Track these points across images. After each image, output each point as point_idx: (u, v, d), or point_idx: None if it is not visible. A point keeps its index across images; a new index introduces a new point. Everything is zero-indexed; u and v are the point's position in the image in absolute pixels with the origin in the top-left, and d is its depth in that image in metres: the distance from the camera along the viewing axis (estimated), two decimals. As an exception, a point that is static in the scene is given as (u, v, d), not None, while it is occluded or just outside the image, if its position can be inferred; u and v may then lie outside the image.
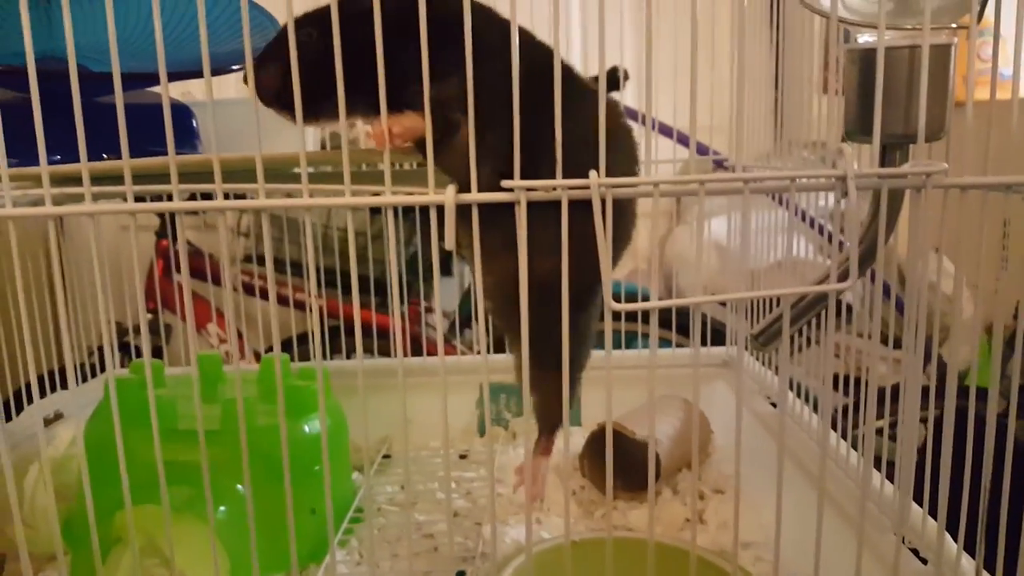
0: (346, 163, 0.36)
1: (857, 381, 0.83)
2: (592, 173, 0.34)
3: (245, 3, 0.39)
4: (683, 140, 1.25)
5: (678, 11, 0.60)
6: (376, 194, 0.38)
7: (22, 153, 0.53)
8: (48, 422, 0.78)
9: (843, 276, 0.39)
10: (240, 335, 1.58)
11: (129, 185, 0.37)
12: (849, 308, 1.46)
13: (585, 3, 0.77)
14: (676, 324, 1.05)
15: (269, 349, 1.58)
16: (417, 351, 1.53)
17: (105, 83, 0.61)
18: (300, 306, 1.61)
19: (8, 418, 0.66)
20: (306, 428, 0.70)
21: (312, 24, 0.46)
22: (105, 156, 0.56)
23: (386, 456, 0.81)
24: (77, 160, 0.52)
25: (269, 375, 0.77)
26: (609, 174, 0.36)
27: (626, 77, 0.68)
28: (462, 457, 0.81)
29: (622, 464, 0.71)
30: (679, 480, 0.76)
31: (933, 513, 0.44)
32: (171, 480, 0.51)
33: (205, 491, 0.51)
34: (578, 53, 0.65)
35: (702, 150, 1.08)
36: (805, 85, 0.75)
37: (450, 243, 0.34)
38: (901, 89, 0.38)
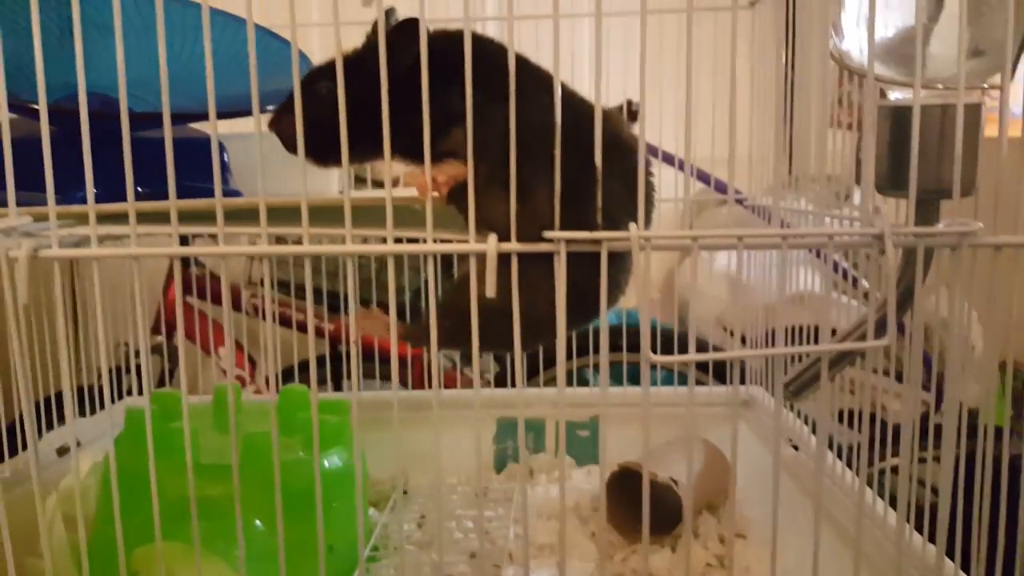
0: (389, 212, 0.37)
1: (872, 417, 0.83)
2: (632, 226, 0.35)
3: (253, 41, 0.40)
4: (702, 177, 1.26)
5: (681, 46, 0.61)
6: (414, 240, 0.38)
7: (56, 186, 0.53)
8: (63, 452, 0.78)
9: (876, 329, 0.39)
10: (253, 361, 1.59)
11: (175, 227, 0.38)
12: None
13: (590, 37, 0.78)
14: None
15: (285, 370, 1.58)
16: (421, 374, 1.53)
17: (139, 120, 0.62)
18: (305, 329, 1.61)
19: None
20: (325, 463, 0.70)
21: (329, 76, 0.47)
22: (139, 190, 0.56)
23: (403, 492, 0.81)
24: (111, 194, 0.53)
25: (288, 407, 0.77)
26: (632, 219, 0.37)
27: (635, 113, 0.69)
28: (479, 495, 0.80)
29: (642, 506, 0.71)
30: (700, 523, 0.75)
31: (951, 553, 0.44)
32: (189, 515, 0.51)
33: (234, 527, 0.51)
34: (587, 85, 0.66)
35: (720, 187, 1.09)
36: (816, 119, 0.76)
37: (491, 291, 0.34)
38: (933, 146, 0.39)
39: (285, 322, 1.56)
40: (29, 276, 0.38)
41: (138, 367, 1.44)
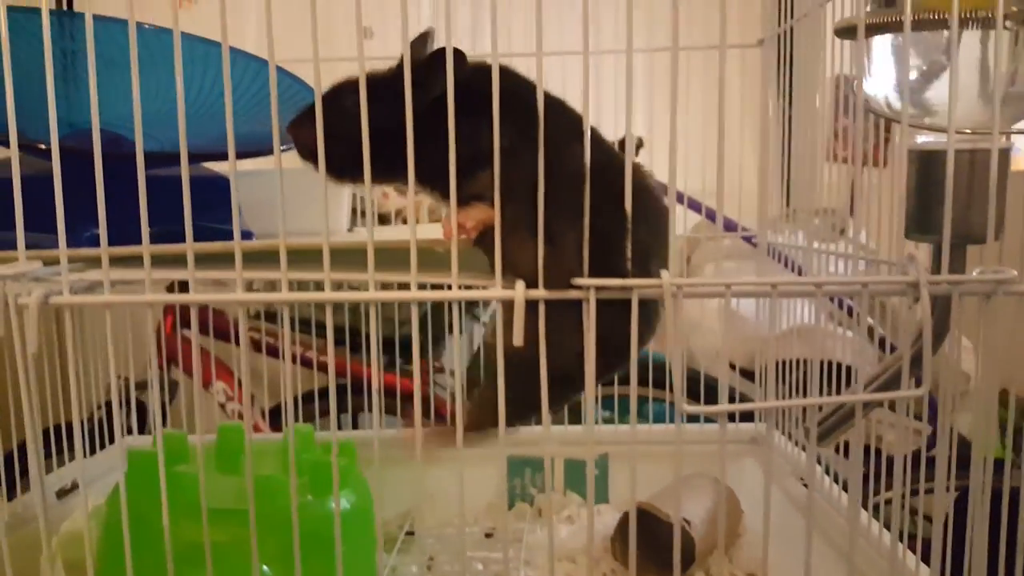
0: (413, 256, 0.36)
1: (867, 448, 0.82)
2: (664, 273, 0.34)
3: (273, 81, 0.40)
4: (693, 206, 1.25)
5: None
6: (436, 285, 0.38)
7: (55, 226, 0.52)
8: (63, 493, 0.76)
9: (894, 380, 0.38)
10: (252, 396, 1.57)
11: (192, 272, 0.37)
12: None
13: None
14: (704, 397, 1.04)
15: (275, 408, 1.56)
16: (427, 412, 1.51)
17: (154, 160, 0.61)
18: (307, 364, 1.60)
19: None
20: (333, 505, 0.68)
21: (357, 91, 0.46)
22: (151, 229, 0.56)
23: (409, 533, 0.79)
24: (118, 233, 0.52)
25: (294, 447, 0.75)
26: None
27: (640, 145, 0.68)
28: (488, 536, 0.79)
29: (655, 546, 0.69)
30: (711, 563, 0.74)
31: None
32: (196, 561, 0.50)
33: (240, 572, 0.50)
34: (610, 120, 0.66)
35: (730, 225, 1.09)
36: (811, 151, 0.76)
37: (519, 340, 0.34)
38: (961, 191, 0.38)
39: (295, 359, 1.55)
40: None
41: (139, 402, 1.43)
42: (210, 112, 0.63)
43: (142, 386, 1.43)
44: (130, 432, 0.91)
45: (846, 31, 0.46)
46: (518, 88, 0.41)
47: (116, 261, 0.46)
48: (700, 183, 0.81)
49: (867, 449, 0.73)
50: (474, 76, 0.40)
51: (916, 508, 0.97)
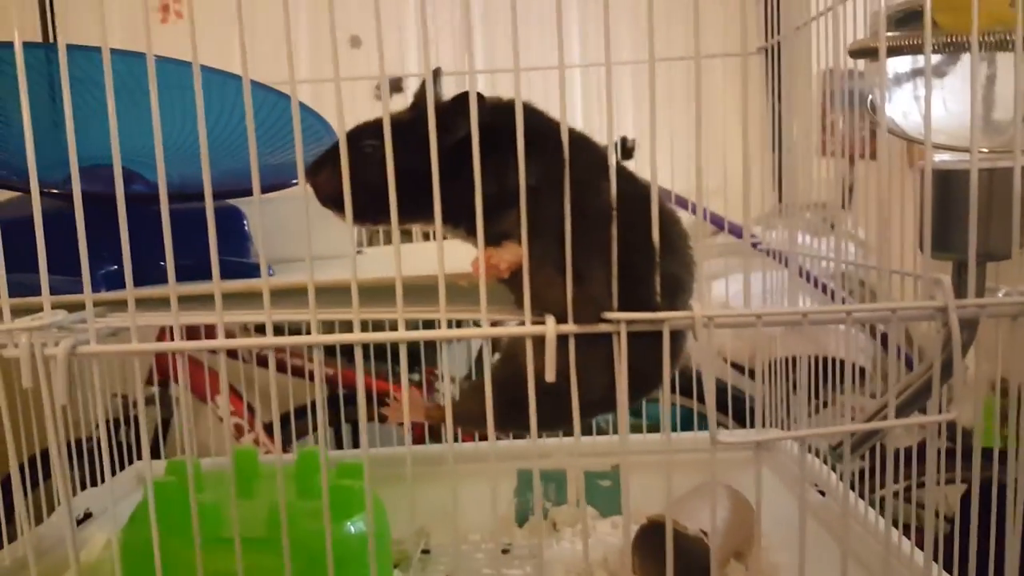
0: (442, 292, 0.36)
1: (873, 446, 0.83)
2: (695, 305, 0.34)
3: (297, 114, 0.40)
4: (715, 221, 1.26)
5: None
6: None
7: (73, 267, 0.52)
8: (77, 522, 0.76)
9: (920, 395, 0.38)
10: (252, 410, 1.56)
11: (220, 315, 0.36)
12: (863, 371, 1.46)
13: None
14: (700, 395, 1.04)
15: (282, 417, 1.55)
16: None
17: (154, 196, 0.61)
18: (299, 374, 1.59)
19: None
20: (351, 528, 0.68)
21: (376, 136, 0.46)
22: (162, 263, 0.55)
23: (425, 551, 0.79)
24: (134, 269, 0.52)
25: (307, 470, 0.75)
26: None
27: (632, 148, 0.68)
28: (504, 552, 0.79)
29: (675, 561, 0.70)
30: (729, 571, 0.74)
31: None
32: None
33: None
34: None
35: (735, 231, 1.09)
36: (803, 147, 0.77)
37: (551, 375, 0.34)
38: (982, 209, 0.38)
39: (284, 369, 1.54)
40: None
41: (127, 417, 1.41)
42: (222, 146, 0.63)
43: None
44: (132, 453, 0.91)
45: (861, 52, 0.46)
46: (541, 125, 0.41)
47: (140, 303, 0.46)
48: (689, 183, 0.81)
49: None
50: (495, 115, 0.40)
51: (921, 502, 0.98)
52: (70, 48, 0.61)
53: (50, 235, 0.45)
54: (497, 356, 0.57)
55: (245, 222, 0.63)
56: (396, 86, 1.53)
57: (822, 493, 0.73)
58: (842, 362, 1.12)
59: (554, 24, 0.39)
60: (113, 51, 0.64)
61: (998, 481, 0.43)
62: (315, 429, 1.57)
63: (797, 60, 0.79)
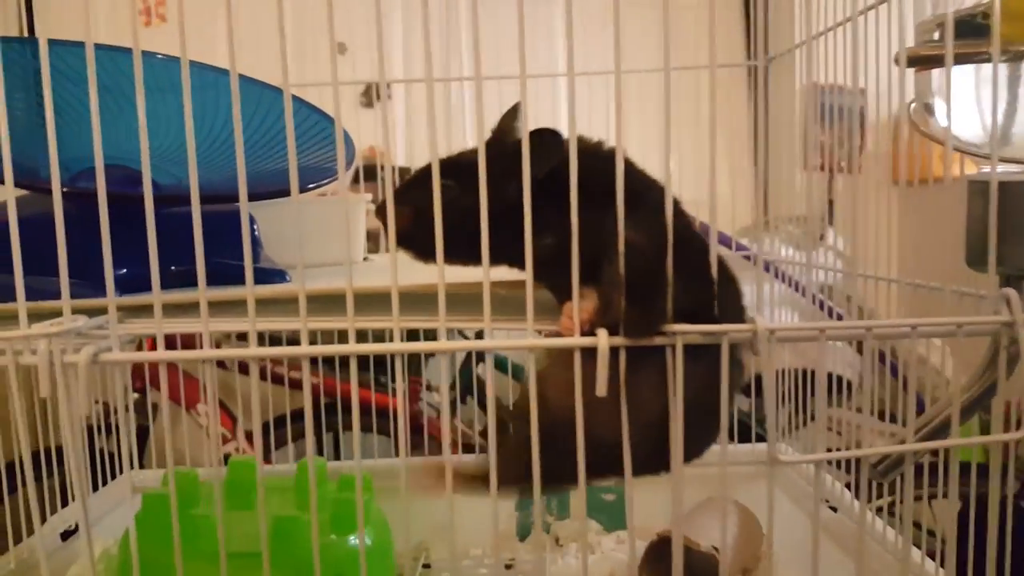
0: (487, 303, 0.35)
1: (857, 458, 0.83)
2: (758, 319, 0.33)
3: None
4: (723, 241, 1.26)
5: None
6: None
7: (82, 271, 0.50)
8: (68, 535, 0.73)
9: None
10: (234, 419, 1.53)
11: (253, 321, 0.35)
12: (848, 384, 1.47)
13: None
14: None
15: (262, 426, 1.52)
16: (416, 430, 1.49)
17: (169, 201, 0.59)
18: (293, 384, 1.56)
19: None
20: (354, 542, 0.66)
21: (455, 175, 0.44)
22: (173, 268, 0.53)
23: (425, 566, 0.77)
24: (144, 273, 0.49)
25: (307, 482, 0.73)
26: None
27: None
28: (507, 567, 0.77)
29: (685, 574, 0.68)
30: (737, 589, 0.73)
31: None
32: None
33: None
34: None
35: (724, 240, 1.10)
36: (789, 160, 0.77)
37: (602, 390, 0.32)
38: (1030, 221, 0.38)
39: (269, 377, 1.51)
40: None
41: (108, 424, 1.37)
42: (228, 145, 0.61)
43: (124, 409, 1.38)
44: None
45: (916, 60, 0.45)
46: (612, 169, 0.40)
47: (143, 309, 0.44)
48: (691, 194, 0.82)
49: (858, 461, 0.73)
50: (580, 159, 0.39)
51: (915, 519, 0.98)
52: (72, 45, 0.59)
53: (52, 238, 0.43)
54: (514, 406, 0.55)
55: (255, 227, 0.61)
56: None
57: (833, 509, 0.72)
58: (838, 377, 1.12)
59: (539, 33, 0.38)
60: (120, 49, 0.62)
61: (978, 495, 0.43)
62: (295, 439, 1.54)
63: (783, 78, 0.80)
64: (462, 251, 0.40)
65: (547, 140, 0.40)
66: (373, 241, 1.37)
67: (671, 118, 0.38)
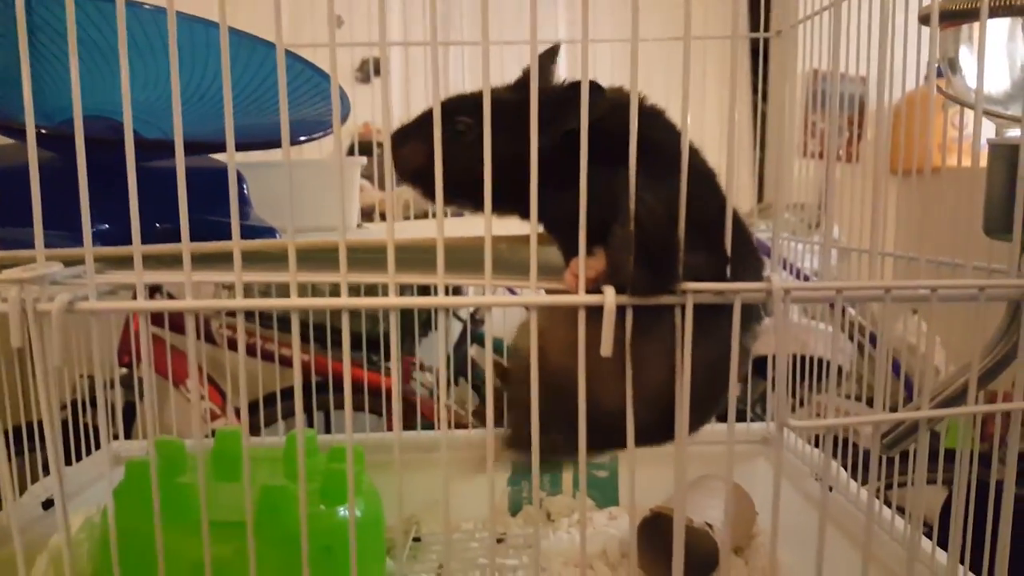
0: (488, 259, 0.33)
1: (853, 445, 0.82)
2: (773, 277, 0.32)
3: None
4: None
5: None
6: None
7: (64, 222, 0.48)
8: (49, 504, 0.71)
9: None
10: (223, 394, 1.51)
11: (239, 274, 0.33)
12: (840, 370, 1.46)
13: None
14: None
15: (251, 404, 1.51)
16: (408, 409, 1.48)
17: (155, 150, 0.57)
18: (284, 361, 1.55)
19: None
20: (344, 513, 0.65)
21: (472, 112, 0.42)
22: (158, 225, 0.51)
23: (416, 539, 0.76)
24: (127, 228, 0.48)
25: (296, 453, 0.71)
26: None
27: None
28: (499, 541, 0.76)
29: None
30: (729, 566, 0.72)
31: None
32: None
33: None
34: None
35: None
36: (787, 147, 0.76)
37: (607, 350, 0.31)
38: (1051, 186, 0.36)
39: (260, 354, 1.49)
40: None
41: (93, 398, 1.36)
42: (221, 100, 0.59)
43: (107, 386, 1.36)
44: (116, 437, 0.86)
45: (945, 16, 0.43)
46: (652, 132, 0.37)
47: (124, 262, 0.42)
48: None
49: (845, 442, 0.73)
50: (610, 114, 0.36)
51: (893, 502, 0.98)
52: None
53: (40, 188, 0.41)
54: (511, 367, 0.53)
55: (245, 185, 0.59)
56: (378, 68, 1.48)
57: (831, 488, 0.71)
58: (823, 361, 1.12)
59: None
60: (110, 0, 0.60)
61: (978, 480, 0.42)
62: (285, 417, 1.53)
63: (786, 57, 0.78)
64: (477, 195, 0.37)
65: (590, 92, 0.37)
66: (367, 218, 1.35)
67: (678, 89, 0.36)
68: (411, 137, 0.43)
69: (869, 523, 0.40)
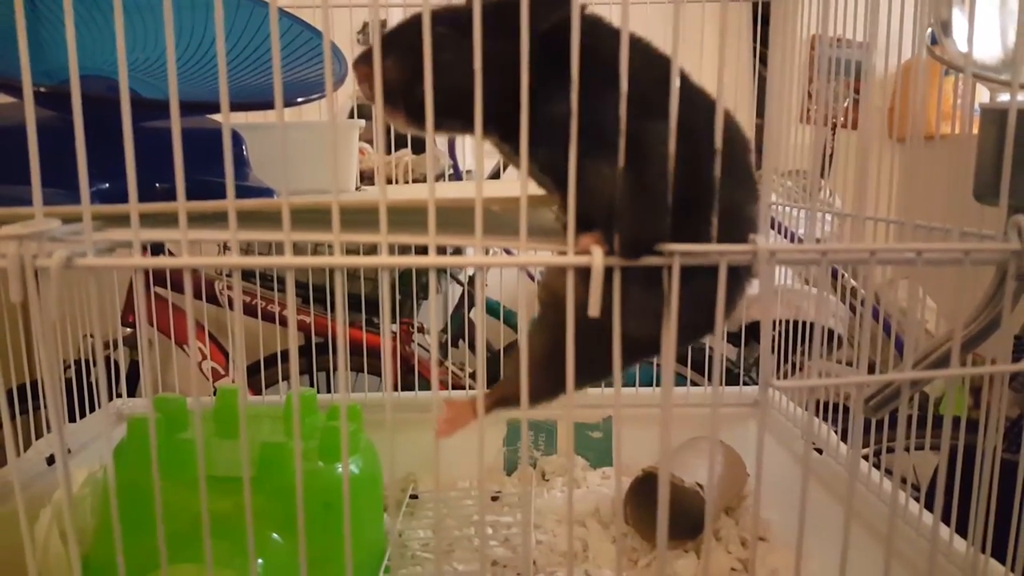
0: (479, 214, 0.33)
1: (845, 408, 0.83)
2: (759, 239, 0.32)
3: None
4: None
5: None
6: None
7: (63, 180, 0.48)
8: (52, 460, 0.72)
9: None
10: (226, 354, 1.53)
11: (234, 232, 0.33)
12: (839, 337, 1.47)
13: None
14: (692, 360, 1.04)
15: (253, 364, 1.52)
16: (408, 372, 1.49)
17: (153, 109, 0.57)
18: (285, 322, 1.55)
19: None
20: (342, 470, 0.66)
21: (448, 22, 0.39)
22: (158, 185, 0.52)
23: (413, 496, 0.78)
24: (126, 187, 0.48)
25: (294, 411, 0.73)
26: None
27: None
28: (493, 499, 0.77)
29: (670, 513, 0.69)
30: (719, 527, 0.74)
31: None
32: (201, 533, 0.47)
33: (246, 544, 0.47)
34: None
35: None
36: (786, 114, 0.76)
37: (595, 310, 0.31)
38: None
39: (260, 315, 1.50)
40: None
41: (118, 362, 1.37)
42: (216, 60, 0.59)
43: (112, 345, 1.37)
44: (119, 395, 0.87)
45: None
46: (613, 42, 0.36)
47: (124, 221, 0.43)
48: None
49: (836, 407, 0.74)
50: (589, 27, 0.36)
51: (882, 466, 0.99)
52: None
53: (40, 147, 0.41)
54: (536, 318, 0.53)
55: (244, 147, 0.59)
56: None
57: (819, 451, 0.72)
58: (828, 330, 1.11)
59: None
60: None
61: (968, 448, 0.43)
62: (286, 378, 1.54)
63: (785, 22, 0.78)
64: (456, 113, 0.36)
65: None
66: (368, 182, 1.35)
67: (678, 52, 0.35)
68: (383, 53, 0.39)
69: (852, 481, 0.41)
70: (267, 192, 0.55)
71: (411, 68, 0.38)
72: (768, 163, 0.81)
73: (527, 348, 0.47)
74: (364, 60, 0.40)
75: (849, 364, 1.42)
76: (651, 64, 0.38)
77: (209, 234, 0.36)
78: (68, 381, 0.83)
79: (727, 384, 0.87)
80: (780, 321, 0.84)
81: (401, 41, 0.40)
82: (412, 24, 0.41)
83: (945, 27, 0.45)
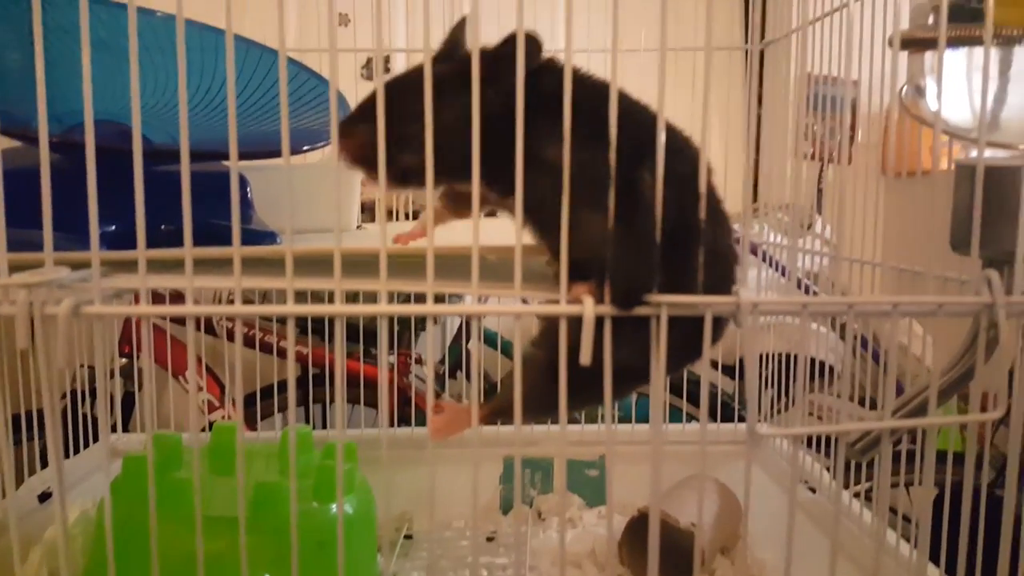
0: (475, 264, 0.34)
1: (831, 443, 0.83)
2: (741, 291, 0.33)
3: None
4: None
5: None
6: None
7: (67, 223, 0.49)
8: (46, 498, 0.72)
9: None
10: (222, 386, 1.53)
11: (239, 278, 0.34)
12: (831, 369, 1.47)
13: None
14: (688, 394, 1.04)
15: (249, 396, 1.52)
16: (405, 403, 1.49)
17: (162, 157, 0.58)
18: (282, 354, 1.55)
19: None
20: (336, 510, 0.66)
21: (414, 90, 0.39)
22: (163, 227, 0.53)
23: (408, 536, 0.78)
24: (132, 228, 0.49)
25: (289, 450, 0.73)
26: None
27: None
28: (489, 539, 0.78)
29: (663, 550, 0.69)
30: (716, 567, 0.74)
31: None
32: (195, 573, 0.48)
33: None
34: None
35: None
36: (780, 148, 0.78)
37: (587, 359, 0.32)
38: (1013, 207, 0.38)
39: (258, 346, 1.50)
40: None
41: (92, 389, 1.37)
42: (226, 107, 0.60)
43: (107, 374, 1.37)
44: (114, 429, 0.87)
45: (909, 43, 0.45)
46: (593, 92, 0.38)
47: (129, 265, 0.44)
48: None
49: (828, 440, 0.74)
50: (544, 74, 0.37)
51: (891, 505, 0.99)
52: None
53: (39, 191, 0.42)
54: (537, 335, 0.54)
55: (248, 189, 0.61)
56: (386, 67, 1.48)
57: (812, 490, 0.72)
58: (820, 362, 1.12)
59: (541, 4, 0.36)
60: (120, 6, 0.61)
61: (965, 483, 0.43)
62: (282, 410, 1.54)
63: (780, 65, 0.80)
64: (439, 170, 0.37)
65: (527, 44, 0.36)
66: (368, 213, 1.36)
67: (668, 99, 0.37)
68: (354, 130, 0.44)
69: (836, 514, 0.41)
70: (270, 236, 0.56)
71: (389, 135, 0.40)
72: (763, 199, 0.82)
73: (527, 358, 0.48)
74: (344, 132, 0.44)
75: (850, 399, 1.42)
76: (630, 113, 0.40)
77: (215, 281, 0.37)
78: (63, 411, 0.83)
79: (726, 419, 0.88)
80: (774, 355, 0.84)
81: (371, 113, 0.42)
82: (390, 88, 0.43)
83: (919, 90, 0.47)
